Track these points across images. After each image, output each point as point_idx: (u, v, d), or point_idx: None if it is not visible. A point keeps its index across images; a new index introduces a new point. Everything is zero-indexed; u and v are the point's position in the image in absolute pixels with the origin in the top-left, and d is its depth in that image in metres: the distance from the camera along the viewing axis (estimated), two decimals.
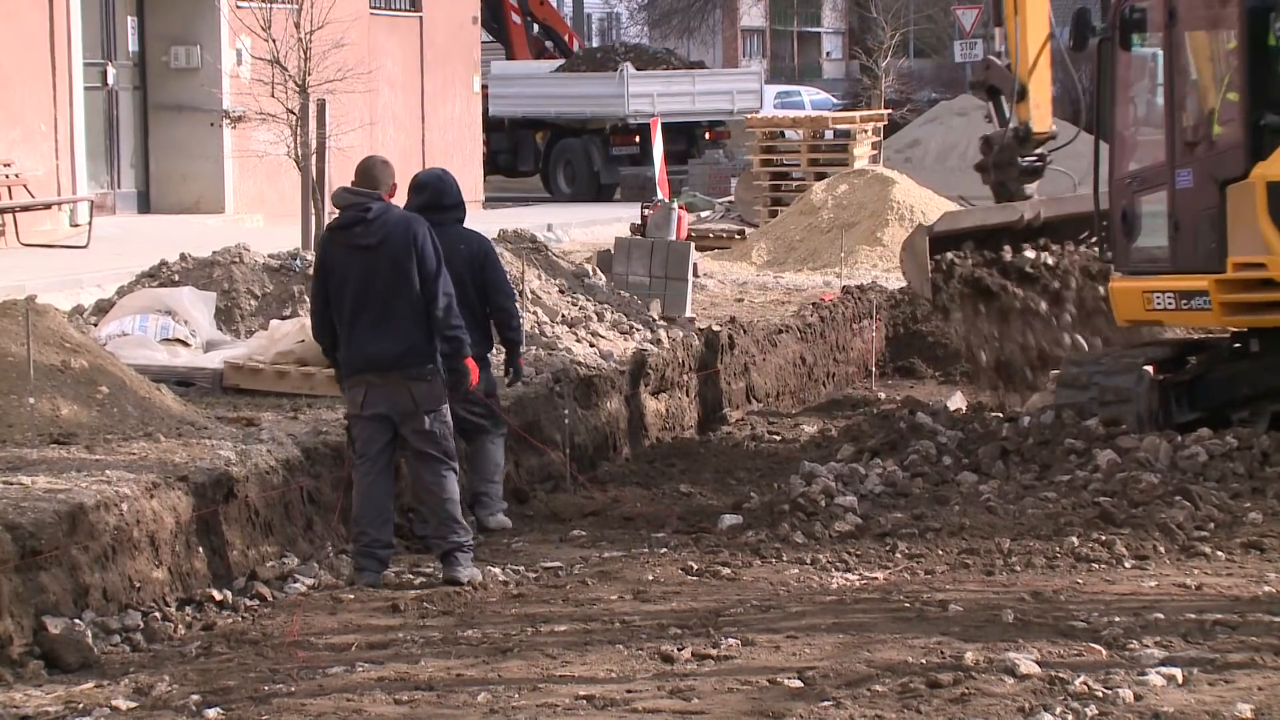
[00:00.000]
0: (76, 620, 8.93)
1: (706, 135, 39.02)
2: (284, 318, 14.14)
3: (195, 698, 7.96)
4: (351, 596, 10.04)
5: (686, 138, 38.14)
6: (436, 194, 11.61)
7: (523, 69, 40.22)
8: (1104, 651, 8.33)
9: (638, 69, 37.36)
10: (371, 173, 10.62)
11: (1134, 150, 14.18)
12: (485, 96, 38.03)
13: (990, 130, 17.12)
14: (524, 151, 38.53)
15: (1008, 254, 15.94)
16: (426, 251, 10.38)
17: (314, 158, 18.36)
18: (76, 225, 23.35)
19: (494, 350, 12.21)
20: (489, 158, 38.02)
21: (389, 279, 10.33)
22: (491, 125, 37.65)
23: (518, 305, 12.67)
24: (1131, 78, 14.18)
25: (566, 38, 43.20)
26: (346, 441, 10.87)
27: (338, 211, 10.62)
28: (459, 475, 10.70)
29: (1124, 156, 14.06)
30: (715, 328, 16.95)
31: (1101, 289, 15.31)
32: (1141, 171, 13.91)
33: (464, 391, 10.83)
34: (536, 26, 42.36)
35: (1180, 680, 7.81)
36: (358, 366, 10.44)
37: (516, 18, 41.53)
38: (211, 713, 7.74)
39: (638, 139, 35.01)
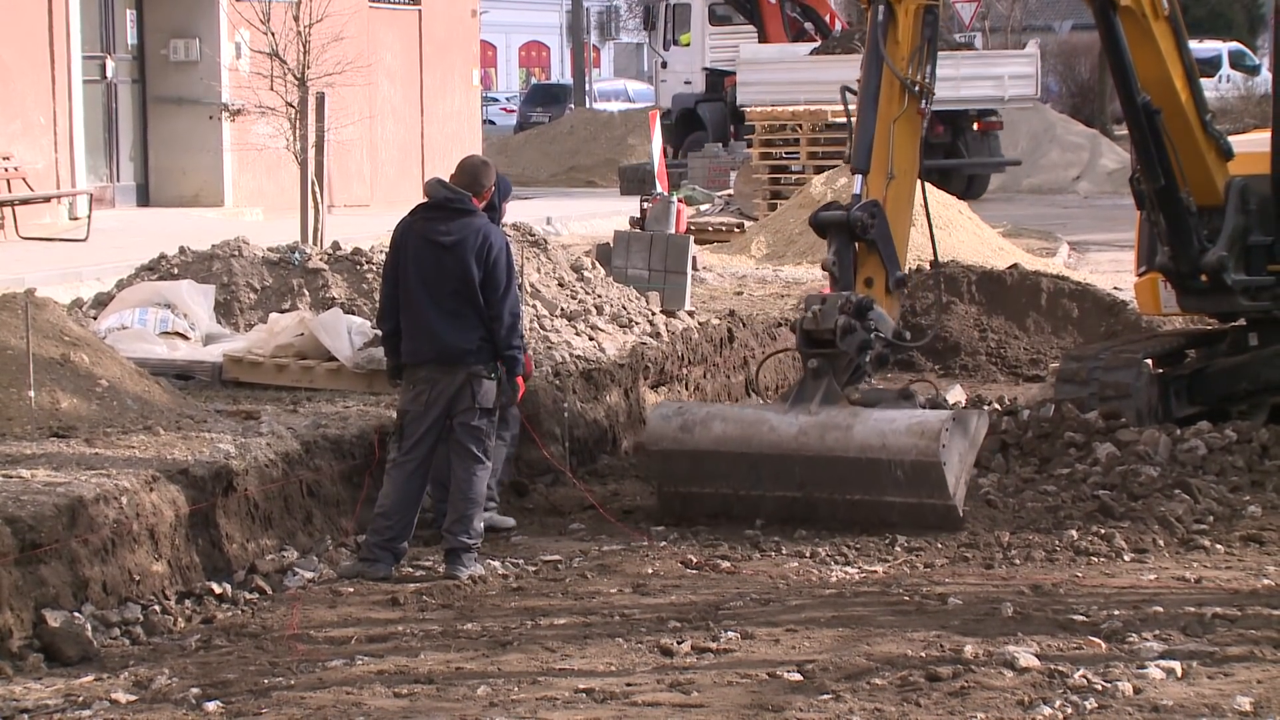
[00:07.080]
0: (76, 613, 8.93)
1: (975, 126, 34.55)
2: (283, 311, 14.12)
3: (195, 691, 7.96)
4: (351, 590, 10.03)
5: (951, 129, 33.93)
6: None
7: (774, 53, 36.32)
8: (1103, 645, 8.33)
9: None
10: (471, 172, 10.55)
11: None
12: (733, 85, 35.60)
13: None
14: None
15: None
16: (497, 269, 10.29)
17: (313, 151, 18.38)
18: (76, 218, 23.36)
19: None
20: None
21: (461, 279, 10.26)
22: (740, 116, 33.65)
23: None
24: None
25: (827, 18, 38.97)
26: (394, 435, 10.73)
27: (426, 199, 10.50)
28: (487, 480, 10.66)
29: None
30: (715, 321, 16.94)
31: None
32: None
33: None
34: (795, 6, 38.77)
35: (1179, 673, 7.81)
36: (425, 356, 10.35)
37: None
38: (211, 705, 7.74)
39: None
